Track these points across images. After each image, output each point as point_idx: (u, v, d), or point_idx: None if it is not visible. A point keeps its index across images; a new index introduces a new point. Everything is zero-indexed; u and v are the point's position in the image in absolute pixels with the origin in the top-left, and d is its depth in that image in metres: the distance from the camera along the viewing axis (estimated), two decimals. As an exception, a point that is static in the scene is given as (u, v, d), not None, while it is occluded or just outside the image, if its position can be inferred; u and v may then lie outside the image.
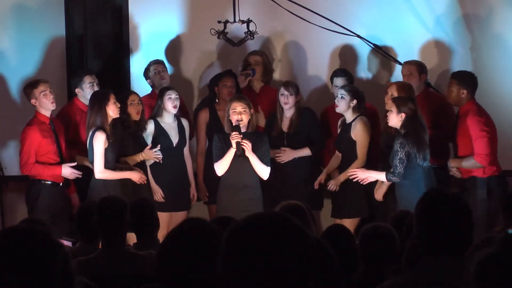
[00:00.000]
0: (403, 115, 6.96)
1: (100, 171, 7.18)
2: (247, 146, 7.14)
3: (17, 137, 8.32)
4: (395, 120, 7.01)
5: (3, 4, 8.47)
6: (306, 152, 7.78)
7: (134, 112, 7.48)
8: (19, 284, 2.27)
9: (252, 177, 7.25)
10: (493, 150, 7.42)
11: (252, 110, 7.23)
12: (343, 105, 7.51)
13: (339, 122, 7.74)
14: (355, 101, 7.50)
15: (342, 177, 7.52)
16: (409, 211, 5.22)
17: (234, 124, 7.16)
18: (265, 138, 7.38)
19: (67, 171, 7.42)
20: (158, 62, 8.21)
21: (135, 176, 7.29)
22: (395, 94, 7.36)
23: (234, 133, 7.13)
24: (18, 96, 8.41)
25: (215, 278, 2.12)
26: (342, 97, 7.50)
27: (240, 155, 7.13)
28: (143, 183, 7.31)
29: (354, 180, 7.29)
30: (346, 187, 7.52)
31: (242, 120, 7.15)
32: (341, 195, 7.57)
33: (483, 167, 7.39)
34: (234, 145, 7.12)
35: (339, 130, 7.73)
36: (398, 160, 6.91)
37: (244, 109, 7.17)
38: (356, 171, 7.26)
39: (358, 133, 7.49)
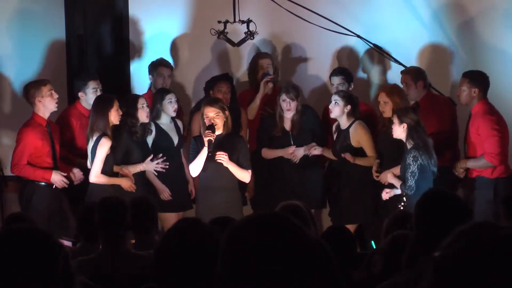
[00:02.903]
0: (405, 125, 6.93)
1: (96, 176, 7.19)
2: (224, 158, 7.05)
3: (17, 138, 8.34)
4: (398, 131, 6.98)
5: (3, 6, 8.46)
6: (320, 151, 7.74)
7: (144, 116, 7.47)
8: (20, 284, 2.28)
9: (229, 179, 7.16)
10: (503, 150, 7.38)
11: (227, 113, 7.12)
12: (337, 111, 7.50)
13: (334, 128, 7.72)
14: (349, 107, 7.49)
15: (358, 161, 7.47)
16: (410, 211, 5.22)
17: (207, 124, 7.07)
18: (242, 140, 7.32)
19: (57, 177, 7.40)
20: (167, 66, 8.19)
21: (125, 183, 7.28)
22: (386, 100, 7.37)
23: (207, 131, 7.03)
24: (17, 97, 8.40)
25: (212, 277, 2.12)
26: (336, 103, 7.49)
27: (211, 154, 7.03)
28: (132, 191, 7.25)
29: (377, 179, 7.25)
30: (348, 192, 7.51)
31: (216, 125, 7.06)
32: (343, 200, 7.55)
33: (493, 167, 7.35)
34: (206, 143, 7.03)
35: (334, 136, 7.71)
36: (410, 173, 6.86)
37: (216, 114, 7.06)
38: (379, 174, 7.23)
39: (361, 137, 7.48)
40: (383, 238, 5.21)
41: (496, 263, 1.81)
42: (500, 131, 7.37)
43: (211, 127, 7.03)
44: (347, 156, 7.44)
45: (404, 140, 6.99)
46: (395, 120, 7.00)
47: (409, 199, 6.92)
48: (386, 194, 7.12)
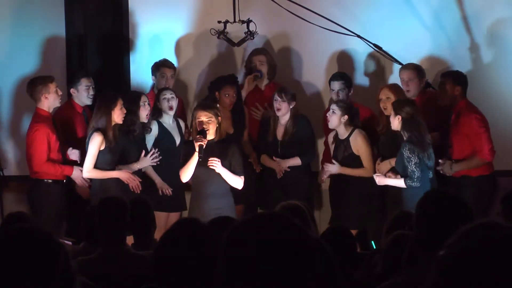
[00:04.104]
0: (399, 117, 6.98)
1: (87, 171, 7.18)
2: (216, 164, 6.94)
3: (17, 137, 8.34)
4: (395, 122, 7.05)
5: (3, 4, 8.47)
6: (296, 162, 7.76)
7: (144, 114, 7.47)
8: (20, 284, 2.28)
9: (221, 185, 7.04)
10: (493, 145, 7.40)
11: (219, 118, 7.01)
12: (335, 120, 7.49)
13: (331, 138, 7.69)
14: (346, 117, 7.47)
15: (346, 170, 7.47)
16: (410, 211, 5.22)
17: (199, 129, 6.97)
18: (234, 146, 7.18)
19: (78, 174, 7.39)
20: (170, 67, 8.17)
21: (123, 175, 7.23)
22: (390, 96, 7.40)
23: (198, 136, 6.93)
24: (17, 95, 8.40)
25: (212, 277, 2.12)
26: (333, 112, 7.48)
27: (202, 160, 6.91)
28: (134, 186, 7.24)
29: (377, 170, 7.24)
30: (347, 198, 7.50)
31: (208, 130, 6.96)
32: (342, 206, 7.55)
33: (487, 163, 7.36)
34: (197, 148, 6.91)
35: (332, 147, 7.69)
36: (414, 165, 6.88)
37: (209, 119, 6.95)
38: (374, 177, 7.19)
39: (361, 146, 7.47)
40: (384, 238, 5.23)
41: (499, 263, 1.81)
42: (487, 128, 7.39)
43: (202, 132, 6.94)
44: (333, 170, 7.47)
45: (400, 130, 7.03)
46: (391, 112, 7.05)
47: (407, 196, 6.93)
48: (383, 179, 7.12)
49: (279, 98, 7.70)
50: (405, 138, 7.00)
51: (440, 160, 7.45)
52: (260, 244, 2.04)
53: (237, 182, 7.07)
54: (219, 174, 7.02)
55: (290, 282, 2.03)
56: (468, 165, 7.42)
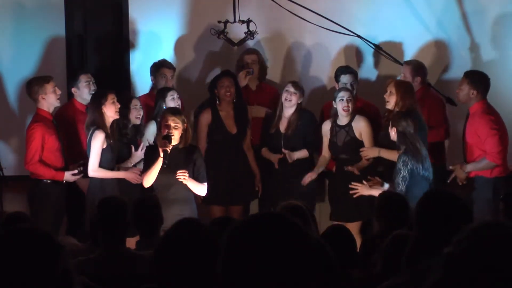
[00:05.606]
0: (394, 129, 6.96)
1: (93, 170, 7.14)
2: (184, 177, 6.83)
3: (16, 137, 8.34)
4: (392, 133, 7.02)
5: (3, 4, 8.47)
6: (304, 154, 7.78)
7: (134, 117, 7.44)
8: (21, 284, 2.28)
9: (184, 191, 6.93)
10: (504, 148, 7.36)
11: (186, 125, 6.93)
12: (352, 107, 7.55)
13: (326, 126, 7.70)
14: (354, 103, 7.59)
15: (360, 165, 7.50)
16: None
17: (164, 135, 6.89)
18: (198, 152, 7.10)
19: (69, 178, 7.41)
20: (169, 67, 8.16)
21: (130, 175, 7.23)
22: (393, 91, 7.38)
23: (163, 141, 6.85)
24: (17, 96, 8.41)
25: (212, 277, 2.13)
26: (350, 100, 7.52)
27: (166, 166, 6.82)
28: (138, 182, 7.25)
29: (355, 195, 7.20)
30: (349, 190, 7.51)
31: (173, 135, 6.86)
32: (344, 198, 7.54)
33: (496, 166, 7.33)
34: (161, 153, 6.82)
35: (327, 135, 7.66)
36: (401, 178, 6.85)
37: (176, 124, 6.86)
38: (357, 187, 7.14)
39: (364, 129, 7.52)
40: (375, 218, 5.52)
41: (504, 262, 1.82)
42: (499, 130, 7.36)
43: (168, 137, 6.86)
44: (354, 170, 7.45)
45: (395, 141, 7.03)
46: (390, 123, 7.05)
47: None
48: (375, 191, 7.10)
49: (292, 89, 7.69)
50: (401, 151, 6.97)
51: (450, 167, 7.46)
52: (260, 244, 2.04)
53: (201, 190, 7.01)
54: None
55: (290, 282, 2.03)
56: (475, 166, 7.39)
